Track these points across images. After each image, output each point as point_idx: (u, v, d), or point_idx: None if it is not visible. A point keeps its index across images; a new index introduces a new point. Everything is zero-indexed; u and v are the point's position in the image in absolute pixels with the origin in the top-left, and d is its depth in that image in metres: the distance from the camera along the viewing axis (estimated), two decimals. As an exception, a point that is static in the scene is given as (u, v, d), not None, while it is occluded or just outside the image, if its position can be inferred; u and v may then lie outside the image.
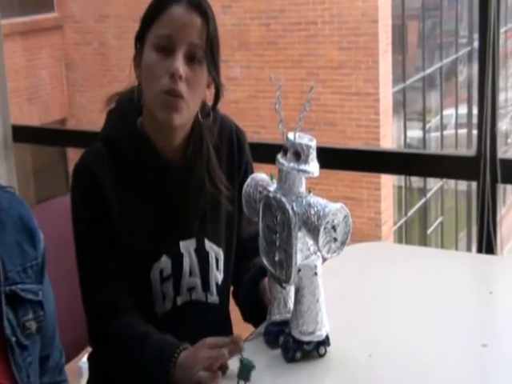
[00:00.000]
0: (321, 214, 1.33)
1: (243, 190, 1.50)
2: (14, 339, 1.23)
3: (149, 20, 1.57)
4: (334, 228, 1.33)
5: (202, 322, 1.66)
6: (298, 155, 1.37)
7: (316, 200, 1.36)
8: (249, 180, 1.50)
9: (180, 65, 1.52)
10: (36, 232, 1.33)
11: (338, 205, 1.33)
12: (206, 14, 1.55)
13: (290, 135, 1.38)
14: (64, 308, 1.53)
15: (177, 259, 1.63)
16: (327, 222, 1.32)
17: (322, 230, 1.32)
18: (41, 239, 1.33)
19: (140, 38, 1.60)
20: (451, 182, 12.16)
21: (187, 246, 1.65)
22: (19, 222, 1.30)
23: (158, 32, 1.55)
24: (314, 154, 1.38)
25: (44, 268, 1.34)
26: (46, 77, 9.30)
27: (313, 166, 1.38)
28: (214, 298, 1.69)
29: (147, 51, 1.56)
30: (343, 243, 1.35)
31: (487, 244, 2.23)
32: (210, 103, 1.65)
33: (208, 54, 1.55)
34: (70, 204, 1.61)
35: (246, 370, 1.33)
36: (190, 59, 1.54)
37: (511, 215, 12.88)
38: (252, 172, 1.73)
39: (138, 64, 1.60)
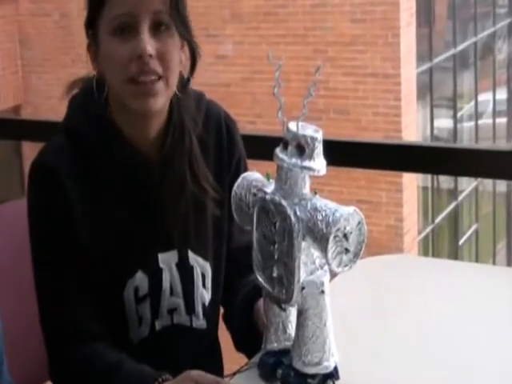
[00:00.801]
0: (330, 219, 1.33)
1: (233, 193, 1.50)
2: None
3: (97, 2, 1.58)
4: (345, 237, 1.33)
5: (185, 351, 1.67)
6: (302, 149, 1.37)
7: (324, 203, 1.36)
8: (239, 180, 1.50)
9: (147, 43, 1.54)
10: None
11: (351, 209, 1.33)
12: None
13: (292, 125, 1.38)
14: (17, 333, 1.54)
15: (155, 275, 1.64)
16: (338, 230, 1.32)
17: (331, 239, 1.32)
18: None
19: (91, 26, 1.61)
20: (487, 183, 12.19)
21: (167, 260, 1.65)
22: None
23: (112, 13, 1.56)
24: (320, 148, 1.38)
25: None
26: (-3, 55, 9.31)
27: (318, 163, 1.38)
28: (200, 321, 1.70)
29: (104, 39, 1.58)
30: (357, 255, 1.35)
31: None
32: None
33: (175, 14, 1.57)
34: (25, 208, 1.62)
35: None
36: (156, 29, 1.56)
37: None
38: (246, 169, 1.75)
39: (95, 56, 1.62)
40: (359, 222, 1.35)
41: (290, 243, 1.38)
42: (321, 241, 1.34)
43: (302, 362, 1.42)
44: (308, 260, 1.39)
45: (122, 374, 1.48)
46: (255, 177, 1.50)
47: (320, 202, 1.37)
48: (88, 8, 1.61)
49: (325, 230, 1.33)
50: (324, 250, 1.33)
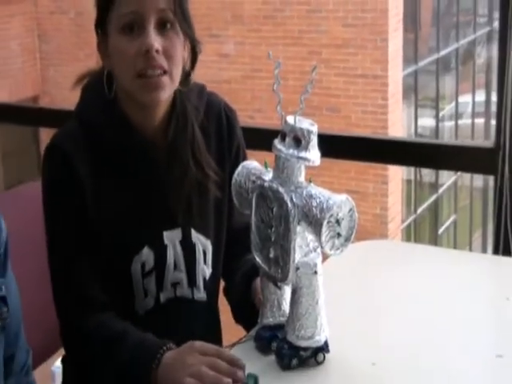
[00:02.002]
0: (324, 206, 1.33)
1: (233, 180, 1.50)
2: None
3: (106, 2, 1.58)
4: (338, 222, 1.33)
5: (187, 321, 1.67)
6: (298, 141, 1.37)
7: (318, 191, 1.36)
8: (239, 168, 1.50)
9: (153, 39, 1.54)
10: None
11: (343, 196, 1.33)
12: None
13: (290, 119, 1.38)
14: (33, 305, 1.54)
15: (160, 251, 1.64)
16: (331, 216, 1.32)
17: (325, 223, 1.32)
18: (2, 228, 1.33)
19: (100, 25, 1.61)
20: (466, 178, 12.19)
21: (172, 237, 1.65)
22: None
23: (119, 12, 1.55)
24: (315, 141, 1.38)
25: (7, 260, 1.33)
26: (17, 49, 9.26)
27: (314, 154, 1.38)
28: (201, 294, 1.70)
29: (113, 36, 1.57)
30: (348, 239, 1.35)
31: (504, 245, 2.24)
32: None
33: (178, 13, 1.56)
34: (40, 189, 1.61)
35: None
36: (162, 27, 1.56)
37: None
38: (245, 156, 1.75)
39: (104, 52, 1.61)
40: (351, 209, 1.35)
41: (286, 227, 1.38)
42: (315, 225, 1.34)
43: (296, 336, 1.42)
44: (302, 243, 1.39)
45: (128, 343, 1.48)
46: (254, 165, 1.50)
47: (315, 189, 1.37)
48: (97, 7, 1.61)
49: (319, 216, 1.33)
50: (318, 233, 1.33)
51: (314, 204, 1.34)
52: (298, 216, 1.36)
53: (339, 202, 1.33)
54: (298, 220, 1.36)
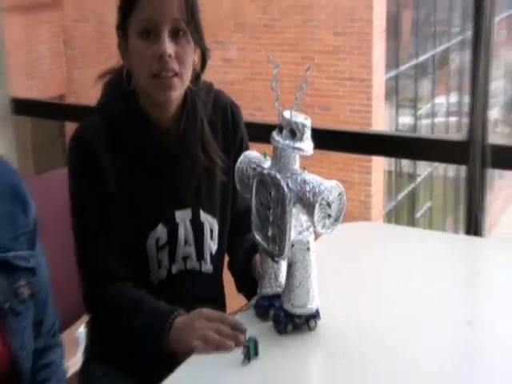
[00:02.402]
0: (316, 190, 1.33)
1: (236, 167, 1.50)
2: (7, 306, 1.24)
3: (127, 8, 1.57)
4: (328, 205, 1.33)
5: (195, 290, 1.67)
6: (294, 133, 1.37)
7: (311, 177, 1.36)
8: (242, 157, 1.50)
9: (167, 46, 1.53)
10: (27, 200, 1.32)
11: (333, 182, 1.33)
12: None
13: (286, 113, 1.38)
14: (61, 277, 1.53)
15: (172, 228, 1.64)
16: (322, 199, 1.32)
17: (317, 206, 1.32)
18: (32, 207, 1.33)
19: (121, 28, 1.60)
20: (440, 169, 12.18)
21: (183, 216, 1.65)
22: (11, 190, 1.30)
23: (138, 18, 1.55)
24: (308, 133, 1.37)
25: (35, 235, 1.33)
26: (45, 52, 9.23)
27: (307, 145, 1.37)
28: (207, 267, 1.70)
29: (132, 39, 1.57)
30: (337, 220, 1.35)
31: (475, 227, 2.24)
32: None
33: (190, 22, 1.56)
34: (66, 176, 1.61)
35: (255, 347, 1.34)
36: (175, 34, 1.56)
37: (497, 203, 12.93)
38: (247, 147, 1.75)
39: (124, 52, 1.61)
40: (340, 193, 1.34)
41: (282, 209, 1.37)
42: (308, 207, 1.33)
43: (291, 305, 1.42)
44: (297, 223, 1.39)
45: (143, 309, 1.48)
46: (254, 155, 1.49)
47: (308, 176, 1.37)
48: (119, 12, 1.60)
49: (312, 199, 1.33)
50: (311, 215, 1.33)
51: (308, 189, 1.34)
52: (293, 199, 1.36)
53: (330, 187, 1.33)
54: (293, 203, 1.36)
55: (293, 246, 1.39)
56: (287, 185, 1.36)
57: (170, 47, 1.53)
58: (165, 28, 1.54)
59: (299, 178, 1.36)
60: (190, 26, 1.56)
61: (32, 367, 1.32)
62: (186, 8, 1.55)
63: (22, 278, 1.28)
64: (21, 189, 1.32)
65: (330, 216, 1.34)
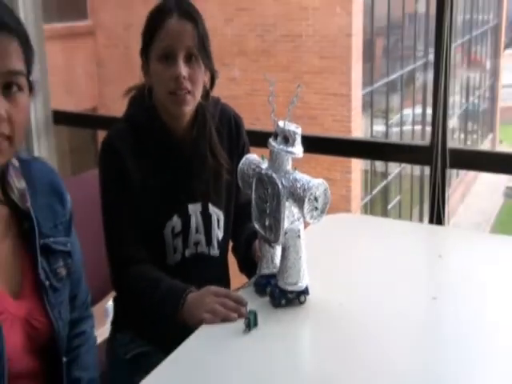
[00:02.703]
0: (305, 187, 1.32)
1: (238, 168, 1.49)
2: (47, 283, 1.23)
3: (149, 36, 1.57)
4: (315, 199, 1.32)
5: (205, 271, 1.66)
6: (287, 139, 1.36)
7: (301, 176, 1.35)
8: (243, 159, 1.49)
9: (182, 69, 1.53)
10: (64, 194, 1.31)
11: (320, 180, 1.32)
12: (194, 19, 1.55)
13: (280, 123, 1.37)
14: (92, 260, 1.52)
15: (185, 219, 1.63)
16: (311, 194, 1.31)
17: (306, 200, 1.31)
18: (68, 200, 1.32)
19: (144, 53, 1.60)
20: (408, 168, 12.19)
21: (194, 209, 1.64)
22: (50, 186, 1.29)
23: (159, 45, 1.55)
24: (299, 139, 1.37)
25: (71, 224, 1.32)
26: (81, 72, 9.22)
27: (298, 149, 1.37)
28: (215, 251, 1.69)
29: (153, 62, 1.56)
30: (323, 211, 1.34)
31: (437, 217, 2.24)
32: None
33: (201, 49, 1.55)
34: (98, 175, 1.60)
35: (254, 318, 1.32)
36: (189, 59, 1.55)
37: (454, 197, 12.94)
38: (248, 151, 1.74)
39: (146, 72, 1.60)
40: (325, 189, 1.33)
41: (277, 203, 1.36)
42: (299, 201, 1.32)
43: (284, 283, 1.41)
44: (290, 214, 1.37)
45: (161, 287, 1.47)
46: (254, 157, 1.48)
47: (299, 175, 1.36)
48: (143, 41, 1.59)
49: (302, 194, 1.32)
50: (301, 207, 1.32)
51: (298, 185, 1.33)
52: (287, 194, 1.35)
53: (317, 184, 1.32)
54: (287, 197, 1.35)
55: (286, 233, 1.38)
56: (281, 182, 1.35)
57: (184, 70, 1.53)
58: (180, 54, 1.53)
59: (291, 177, 1.35)
60: (201, 52, 1.55)
61: (68, 335, 1.31)
62: (197, 37, 1.55)
63: (60, 259, 1.27)
64: (59, 185, 1.31)
65: (317, 208, 1.33)
